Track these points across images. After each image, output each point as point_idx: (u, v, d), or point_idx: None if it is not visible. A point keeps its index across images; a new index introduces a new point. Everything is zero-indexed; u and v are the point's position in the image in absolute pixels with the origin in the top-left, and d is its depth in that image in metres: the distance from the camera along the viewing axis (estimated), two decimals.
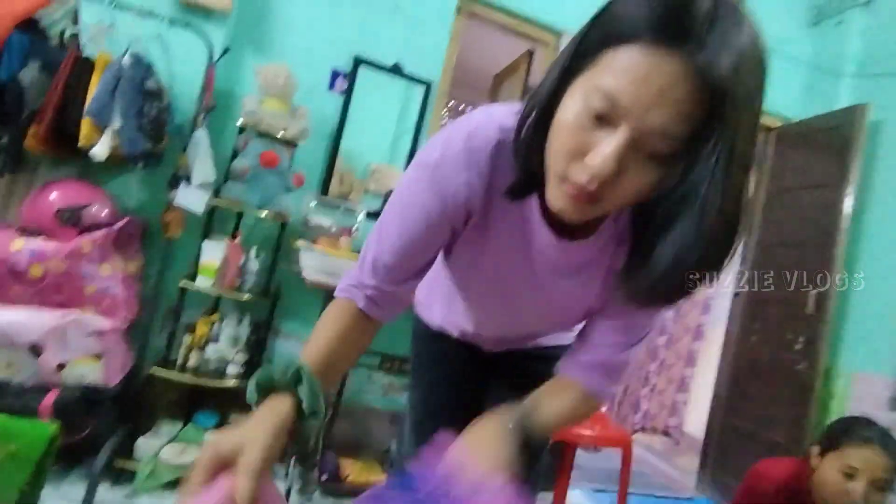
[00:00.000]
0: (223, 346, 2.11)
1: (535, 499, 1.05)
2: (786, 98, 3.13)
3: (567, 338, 0.85)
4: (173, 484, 1.84)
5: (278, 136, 2.13)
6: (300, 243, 2.23)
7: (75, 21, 1.95)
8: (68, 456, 1.77)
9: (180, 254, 2.20)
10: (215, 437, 0.53)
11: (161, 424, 2.03)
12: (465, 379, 1.05)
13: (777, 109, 3.15)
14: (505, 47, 3.67)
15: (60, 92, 1.85)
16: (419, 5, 2.62)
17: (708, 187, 0.49)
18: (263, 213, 2.12)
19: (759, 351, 2.93)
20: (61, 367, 1.74)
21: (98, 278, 1.86)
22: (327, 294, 2.10)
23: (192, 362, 2.06)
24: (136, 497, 1.82)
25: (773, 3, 3.13)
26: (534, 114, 0.58)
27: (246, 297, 2.09)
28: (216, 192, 2.10)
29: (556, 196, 0.56)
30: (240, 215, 2.26)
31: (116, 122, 1.84)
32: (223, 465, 0.51)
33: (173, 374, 1.98)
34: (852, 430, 1.30)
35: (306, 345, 0.67)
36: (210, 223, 2.19)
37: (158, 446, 1.89)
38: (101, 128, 1.85)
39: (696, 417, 3.83)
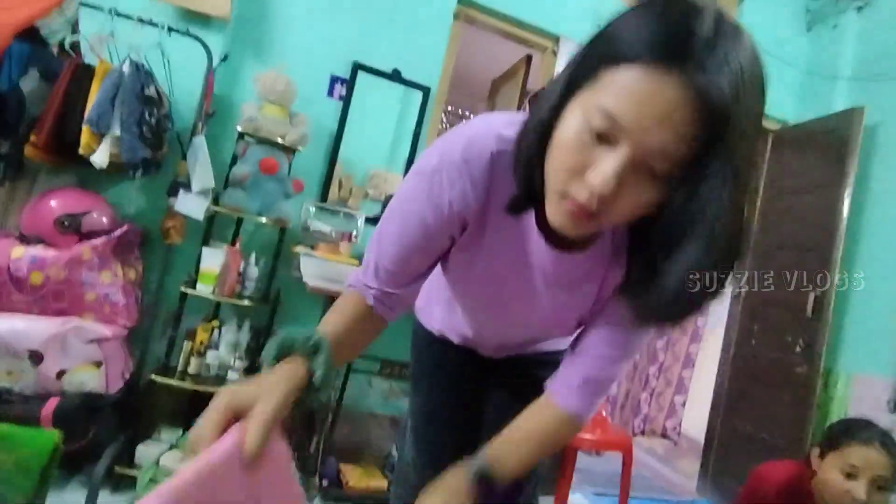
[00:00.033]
0: (223, 352, 2.11)
1: (536, 503, 1.06)
2: (782, 101, 3.15)
3: (566, 343, 0.85)
4: None
5: (277, 143, 2.14)
6: (300, 249, 2.23)
7: (75, 30, 1.96)
8: (69, 463, 1.77)
9: (180, 260, 2.20)
10: (230, 388, 0.53)
11: (161, 431, 2.03)
12: (465, 384, 1.06)
13: (773, 113, 3.16)
14: (503, 53, 3.70)
15: (60, 100, 1.85)
16: (417, 11, 2.64)
17: (715, 209, 0.50)
18: (263, 220, 2.12)
19: (759, 353, 2.94)
20: (61, 374, 1.74)
21: (98, 285, 1.87)
22: (327, 299, 2.11)
23: (192, 368, 2.06)
24: None
25: (769, 8, 3.16)
26: (534, 130, 0.59)
27: (246, 303, 2.10)
28: (216, 199, 2.10)
29: (556, 212, 0.57)
30: (239, 221, 2.27)
31: (116, 130, 1.84)
32: (235, 416, 0.51)
33: (173, 381, 1.98)
34: (852, 430, 1.31)
35: (319, 326, 0.67)
36: (210, 229, 2.19)
37: (159, 453, 1.89)
38: (100, 135, 1.85)
39: (694, 419, 3.83)
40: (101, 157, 1.85)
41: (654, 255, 0.57)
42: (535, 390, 0.78)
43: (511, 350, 0.98)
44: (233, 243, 2.19)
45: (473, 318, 0.91)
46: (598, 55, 0.52)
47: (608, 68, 0.50)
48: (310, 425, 2.24)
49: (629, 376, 4.15)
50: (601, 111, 0.50)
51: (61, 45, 1.92)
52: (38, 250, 1.79)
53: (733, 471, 2.88)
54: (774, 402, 2.77)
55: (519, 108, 3.27)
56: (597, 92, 0.51)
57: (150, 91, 1.92)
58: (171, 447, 1.95)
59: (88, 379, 1.78)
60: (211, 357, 2.08)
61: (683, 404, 4.13)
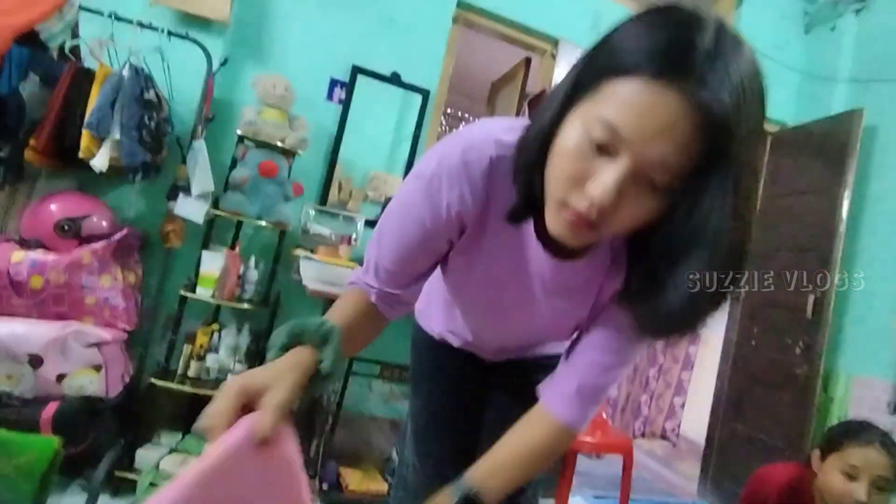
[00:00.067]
0: (223, 355, 2.11)
1: None
2: (781, 103, 3.15)
3: (566, 347, 0.85)
4: None
5: (277, 146, 2.14)
6: (299, 252, 2.23)
7: (75, 34, 1.96)
8: (69, 467, 1.77)
9: (180, 264, 2.20)
10: (242, 374, 0.53)
11: (161, 435, 2.03)
12: (465, 388, 1.06)
13: (773, 115, 3.17)
14: (502, 55, 3.70)
15: (60, 104, 1.86)
16: (416, 15, 2.65)
17: (717, 222, 0.50)
18: (263, 223, 2.13)
19: (759, 355, 2.94)
20: (61, 378, 1.74)
21: (98, 289, 1.87)
22: (327, 302, 2.11)
23: (192, 372, 2.06)
24: None
25: (768, 11, 3.17)
26: (534, 138, 0.59)
27: (245, 306, 2.10)
28: (215, 202, 2.11)
29: (555, 222, 0.57)
30: (239, 225, 2.27)
31: (116, 134, 1.85)
32: (247, 401, 0.51)
33: (173, 385, 1.98)
34: (852, 431, 1.32)
35: (325, 318, 0.67)
36: (209, 233, 2.19)
37: (158, 457, 1.89)
38: (100, 139, 1.86)
39: (694, 421, 3.83)
40: (100, 161, 1.85)
41: (654, 266, 0.57)
42: (535, 394, 0.78)
43: (511, 353, 0.98)
44: (232, 247, 2.19)
45: (472, 321, 0.91)
46: (599, 66, 0.52)
47: (609, 79, 0.50)
48: (310, 428, 2.24)
49: (630, 379, 4.15)
50: (602, 122, 0.50)
51: (61, 49, 1.92)
52: (37, 254, 1.79)
53: (734, 473, 2.88)
54: (774, 404, 2.76)
55: (518, 110, 3.27)
56: (598, 103, 0.51)
57: (150, 95, 1.92)
58: (171, 451, 1.95)
59: (88, 383, 1.78)
60: (211, 360, 2.08)
61: (682, 406, 4.14)
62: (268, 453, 0.50)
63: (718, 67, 0.47)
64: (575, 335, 0.79)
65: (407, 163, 2.65)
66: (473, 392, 1.05)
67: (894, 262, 2.55)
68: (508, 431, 0.75)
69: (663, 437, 4.15)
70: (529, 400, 0.77)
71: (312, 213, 2.44)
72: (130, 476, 1.86)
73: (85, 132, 1.84)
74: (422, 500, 0.71)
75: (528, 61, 3.28)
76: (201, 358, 2.08)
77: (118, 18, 1.97)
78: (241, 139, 2.18)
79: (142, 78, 1.91)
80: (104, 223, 1.96)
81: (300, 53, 2.48)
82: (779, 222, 2.97)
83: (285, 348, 0.59)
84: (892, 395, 2.39)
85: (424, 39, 2.67)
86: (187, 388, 1.99)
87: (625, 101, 0.49)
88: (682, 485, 3.31)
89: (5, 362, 1.68)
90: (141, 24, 1.99)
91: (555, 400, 0.74)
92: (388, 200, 2.47)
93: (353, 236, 2.44)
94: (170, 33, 2.04)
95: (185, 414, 2.15)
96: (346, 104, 2.54)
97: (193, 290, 2.03)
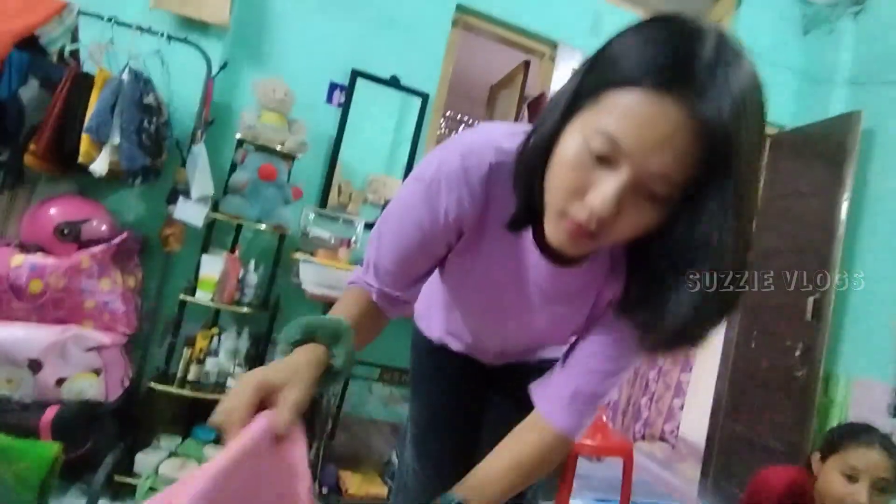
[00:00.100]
0: (223, 359, 2.11)
1: None
2: (779, 106, 3.16)
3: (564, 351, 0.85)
4: None
5: (277, 150, 2.15)
6: (299, 255, 2.23)
7: (75, 38, 1.97)
8: (68, 471, 1.76)
9: (179, 268, 2.20)
10: (260, 369, 0.54)
11: (161, 439, 2.03)
12: (465, 392, 1.05)
13: (771, 117, 3.16)
14: (501, 58, 3.71)
15: (60, 108, 1.86)
16: (415, 18, 2.65)
17: (720, 236, 0.50)
18: (262, 226, 2.13)
19: (759, 357, 2.93)
20: (61, 382, 1.74)
21: (97, 293, 1.87)
22: (326, 306, 2.11)
23: (191, 376, 2.05)
24: None
25: (766, 13, 3.17)
26: (535, 147, 0.59)
27: (245, 309, 2.10)
28: (215, 206, 2.11)
29: (555, 231, 0.57)
30: (239, 228, 2.27)
31: (115, 138, 1.85)
32: (265, 396, 0.52)
33: (173, 388, 1.98)
34: (853, 433, 1.32)
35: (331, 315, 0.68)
36: (209, 237, 2.19)
37: (158, 461, 1.89)
38: (100, 144, 1.86)
39: (694, 423, 3.82)
40: (100, 166, 1.85)
41: (655, 278, 0.57)
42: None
43: (510, 358, 0.98)
44: (232, 250, 2.19)
45: (471, 324, 0.91)
46: (599, 75, 0.52)
47: (610, 90, 0.50)
48: (309, 431, 2.23)
49: (630, 382, 4.15)
50: (602, 133, 0.50)
51: (61, 53, 1.92)
52: (37, 258, 1.79)
53: (734, 475, 2.87)
54: (774, 406, 2.76)
55: (517, 112, 3.28)
56: (598, 113, 0.51)
57: (150, 99, 1.92)
58: (171, 455, 1.95)
59: (88, 387, 1.78)
60: (210, 364, 2.08)
61: (681, 408, 4.14)
62: (280, 450, 0.50)
63: (719, 79, 0.47)
64: (572, 339, 0.79)
65: (406, 165, 2.65)
66: (473, 396, 1.05)
67: (894, 263, 2.55)
68: (504, 439, 0.75)
69: (662, 438, 4.15)
70: (529, 404, 0.77)
71: (312, 216, 2.44)
72: (130, 480, 1.86)
73: (84, 136, 1.84)
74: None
75: (527, 64, 3.29)
76: (201, 362, 2.07)
77: (118, 23, 1.98)
78: (240, 143, 2.18)
79: (141, 82, 1.91)
80: (104, 227, 1.96)
81: (299, 57, 2.48)
82: (778, 224, 2.97)
83: (296, 344, 0.60)
84: (893, 398, 2.39)
85: (424, 43, 2.68)
86: (187, 392, 1.99)
87: (625, 113, 0.49)
88: (683, 487, 3.30)
89: (5, 366, 1.68)
90: (140, 29, 2.00)
91: (550, 407, 0.74)
92: (387, 203, 2.47)
93: (353, 239, 2.44)
94: (169, 37, 2.05)
95: (184, 418, 2.15)
96: (345, 107, 2.54)
97: (193, 294, 2.03)
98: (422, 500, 1.02)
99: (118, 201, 2.17)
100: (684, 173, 0.49)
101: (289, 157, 2.21)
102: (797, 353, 2.69)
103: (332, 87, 2.55)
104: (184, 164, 2.04)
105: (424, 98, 2.66)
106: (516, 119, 3.25)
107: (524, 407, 0.76)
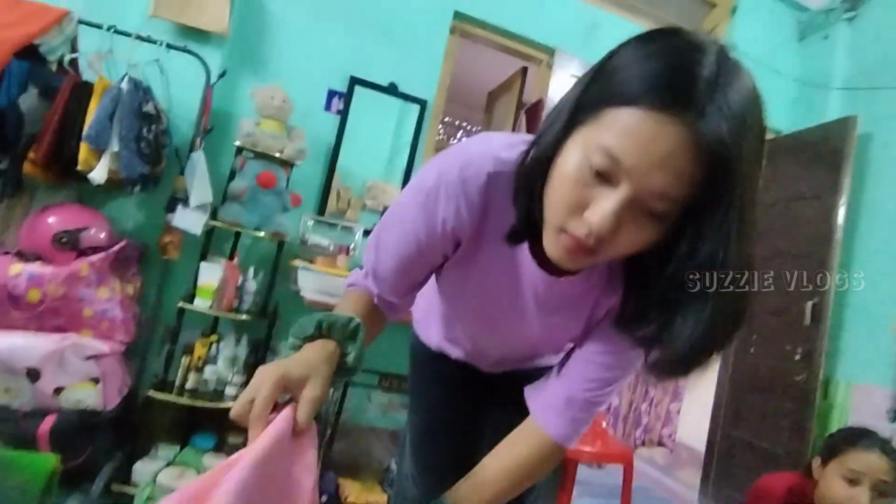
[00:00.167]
0: (221, 367, 2.10)
1: None
2: (776, 111, 3.17)
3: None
4: None
5: (275, 157, 2.15)
6: (298, 263, 2.23)
7: (74, 47, 1.97)
8: (66, 481, 1.75)
9: (178, 275, 2.20)
10: (278, 364, 0.54)
11: (159, 448, 2.02)
12: (463, 398, 1.05)
13: (768, 123, 3.18)
14: (499, 65, 3.73)
15: (59, 117, 1.86)
16: (413, 26, 2.67)
17: (723, 254, 0.50)
18: (261, 234, 2.13)
19: (758, 362, 2.93)
20: (59, 391, 1.73)
21: (96, 301, 1.86)
22: None
23: (189, 384, 2.04)
24: None
25: (761, 20, 3.20)
26: (534, 162, 0.59)
27: (244, 317, 2.09)
28: (214, 214, 2.11)
29: (553, 245, 0.57)
30: (237, 236, 2.27)
31: (114, 146, 1.85)
32: (284, 391, 0.53)
33: (171, 397, 1.97)
34: (853, 437, 1.32)
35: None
36: (208, 244, 2.19)
37: (156, 470, 1.88)
38: (99, 152, 1.86)
39: (695, 429, 3.81)
40: (99, 174, 1.85)
41: (653, 294, 0.57)
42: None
43: (509, 365, 0.98)
44: (231, 258, 2.19)
45: (468, 332, 0.91)
46: (600, 91, 0.52)
47: (610, 107, 0.50)
48: None
49: (631, 387, 4.14)
50: (602, 150, 0.50)
51: (60, 62, 1.93)
52: (36, 267, 1.78)
53: (735, 480, 2.86)
54: (774, 411, 2.76)
55: (515, 119, 3.29)
56: (598, 129, 0.51)
57: (149, 107, 1.93)
58: (169, 464, 1.94)
59: (86, 396, 1.77)
60: (209, 372, 2.07)
61: (678, 412, 4.13)
62: (297, 446, 0.52)
63: (719, 98, 0.47)
64: (570, 347, 0.79)
65: (405, 172, 2.66)
66: (472, 403, 1.05)
67: (892, 267, 2.56)
68: (497, 445, 0.75)
69: (660, 443, 4.14)
70: (528, 411, 0.77)
71: (311, 223, 2.45)
72: (128, 490, 1.85)
73: (83, 145, 1.84)
74: None
75: (524, 71, 3.30)
76: (199, 370, 2.07)
77: (117, 31, 1.99)
78: (239, 150, 2.18)
79: (140, 90, 1.92)
80: (102, 235, 1.96)
81: (298, 65, 2.49)
82: (775, 229, 2.98)
83: (306, 340, 0.61)
84: (893, 403, 2.39)
85: (422, 50, 2.69)
86: (185, 401, 1.98)
87: (626, 131, 0.49)
88: (683, 493, 3.29)
89: (3, 375, 1.68)
90: (140, 37, 2.00)
91: (545, 413, 0.74)
92: (386, 209, 2.48)
93: (352, 246, 2.44)
94: (168, 46, 2.05)
95: (182, 426, 2.14)
96: (343, 114, 2.55)
97: (191, 302, 2.02)
98: None
99: (117, 209, 2.17)
100: (684, 191, 0.49)
101: (287, 165, 2.22)
102: (796, 358, 2.69)
103: (331, 94, 2.56)
104: (183, 171, 2.04)
105: (422, 105, 2.67)
106: (514, 124, 3.26)
107: (523, 414, 0.77)
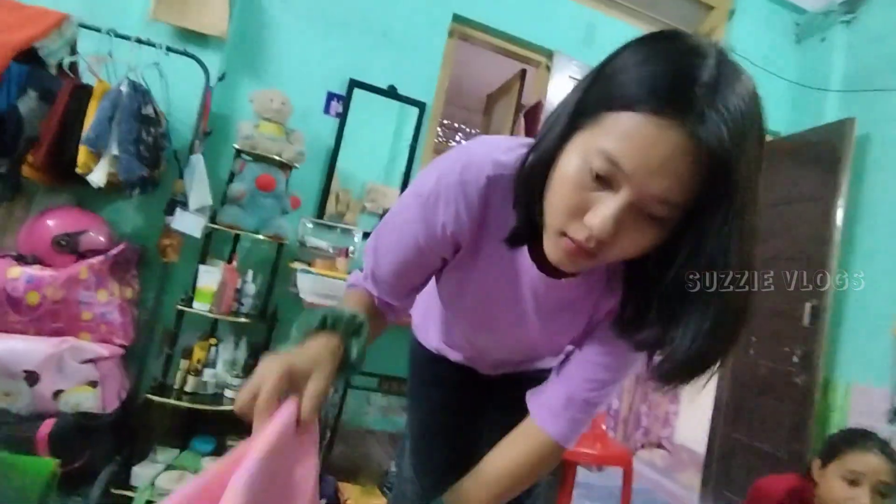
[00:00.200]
0: (220, 370, 2.10)
1: None
2: (773, 113, 3.18)
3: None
4: None
5: (274, 160, 2.15)
6: (297, 265, 2.23)
7: (73, 50, 1.97)
8: (65, 484, 1.74)
9: (177, 278, 2.20)
10: (284, 356, 0.54)
11: (158, 451, 2.01)
12: (462, 402, 1.05)
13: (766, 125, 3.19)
14: (497, 67, 3.74)
15: (58, 120, 1.86)
16: (412, 29, 2.67)
17: (724, 259, 0.50)
18: (260, 236, 2.13)
19: (758, 364, 2.94)
20: (58, 394, 1.73)
21: (95, 304, 1.86)
22: None
23: (189, 387, 2.04)
24: None
25: (758, 22, 3.21)
26: (534, 166, 0.59)
27: (243, 320, 2.09)
28: (213, 217, 2.11)
29: (553, 249, 0.57)
30: (236, 238, 2.27)
31: (114, 149, 1.85)
32: (289, 384, 0.52)
33: (170, 400, 1.96)
34: (852, 438, 1.32)
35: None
36: (207, 247, 2.19)
37: (155, 474, 1.87)
38: (98, 155, 1.86)
39: (694, 431, 3.81)
40: (98, 177, 1.85)
41: (653, 297, 0.57)
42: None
43: (508, 367, 0.98)
44: (230, 261, 2.19)
45: (467, 334, 0.91)
46: (600, 95, 0.52)
47: (610, 111, 0.50)
48: None
49: (631, 389, 4.14)
50: (603, 154, 0.50)
51: (60, 65, 1.93)
52: (34, 270, 1.78)
53: (734, 482, 2.86)
54: (774, 413, 2.76)
55: (514, 121, 3.30)
56: (598, 133, 0.51)
57: (148, 110, 1.93)
58: (168, 467, 1.93)
59: (84, 399, 1.77)
60: (208, 375, 2.07)
61: (676, 413, 4.14)
62: (299, 440, 0.52)
63: (719, 102, 0.47)
64: (570, 349, 0.80)
65: (404, 174, 2.66)
66: (471, 405, 1.05)
67: (890, 268, 2.56)
68: (497, 445, 0.75)
69: (659, 445, 4.14)
70: (527, 414, 0.77)
71: (310, 226, 2.45)
72: (127, 493, 1.84)
73: (82, 147, 1.84)
74: None
75: (523, 73, 3.31)
76: (198, 373, 2.06)
77: (117, 35, 1.99)
78: (238, 153, 2.19)
79: (140, 93, 1.92)
80: (101, 238, 1.96)
81: (297, 68, 2.50)
82: (774, 231, 2.98)
83: (311, 333, 0.61)
84: (892, 404, 2.39)
85: (420, 53, 2.70)
86: (184, 404, 1.98)
87: (626, 135, 0.49)
88: (683, 495, 3.29)
89: (2, 379, 1.67)
90: (139, 41, 2.00)
91: (543, 414, 0.75)
92: (385, 212, 2.48)
93: (351, 248, 2.44)
94: (168, 49, 2.05)
95: (181, 430, 2.13)
96: (343, 117, 2.55)
97: (190, 305, 2.02)
98: None
99: (116, 212, 2.17)
100: (684, 195, 0.49)
101: (287, 167, 2.22)
102: (795, 360, 2.69)
103: (330, 97, 2.56)
104: (182, 174, 2.04)
105: (421, 107, 2.67)
106: (513, 127, 3.27)
107: (522, 416, 0.77)
